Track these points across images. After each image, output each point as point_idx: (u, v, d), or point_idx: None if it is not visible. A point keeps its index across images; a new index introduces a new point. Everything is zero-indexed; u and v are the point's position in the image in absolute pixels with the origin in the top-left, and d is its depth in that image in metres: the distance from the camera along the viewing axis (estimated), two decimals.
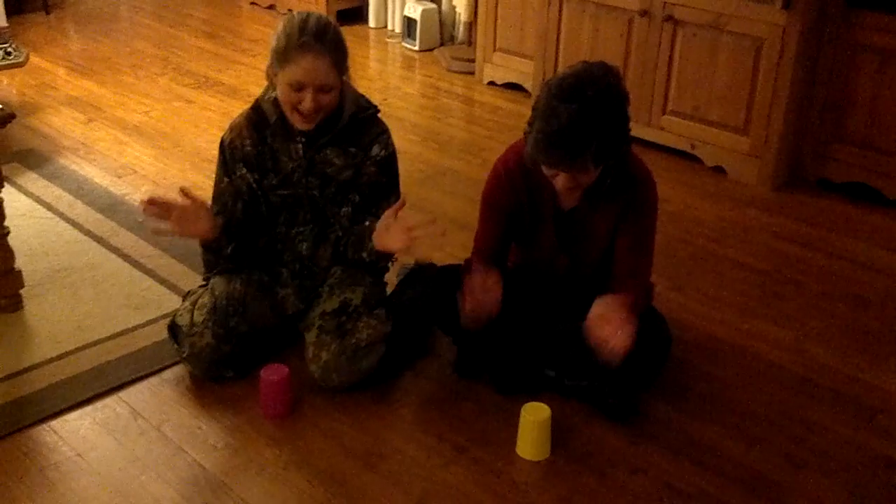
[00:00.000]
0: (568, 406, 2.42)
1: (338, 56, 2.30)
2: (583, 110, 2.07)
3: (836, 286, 3.04)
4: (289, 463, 2.23)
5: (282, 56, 2.28)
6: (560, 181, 2.18)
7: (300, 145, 2.42)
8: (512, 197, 2.35)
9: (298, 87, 2.28)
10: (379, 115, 2.51)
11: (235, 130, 2.46)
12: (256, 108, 2.44)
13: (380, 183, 2.47)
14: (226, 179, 2.47)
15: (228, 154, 2.46)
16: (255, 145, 2.43)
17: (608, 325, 2.13)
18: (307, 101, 2.29)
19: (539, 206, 2.35)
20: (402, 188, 2.58)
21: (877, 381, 2.57)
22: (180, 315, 2.50)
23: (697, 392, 2.51)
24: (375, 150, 2.45)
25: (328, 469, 2.21)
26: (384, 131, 2.49)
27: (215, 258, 2.55)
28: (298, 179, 2.45)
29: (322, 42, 2.26)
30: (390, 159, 2.49)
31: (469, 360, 2.54)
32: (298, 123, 2.35)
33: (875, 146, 3.54)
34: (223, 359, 2.46)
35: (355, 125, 2.44)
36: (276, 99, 2.40)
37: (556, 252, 2.41)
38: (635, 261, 2.36)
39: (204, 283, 2.66)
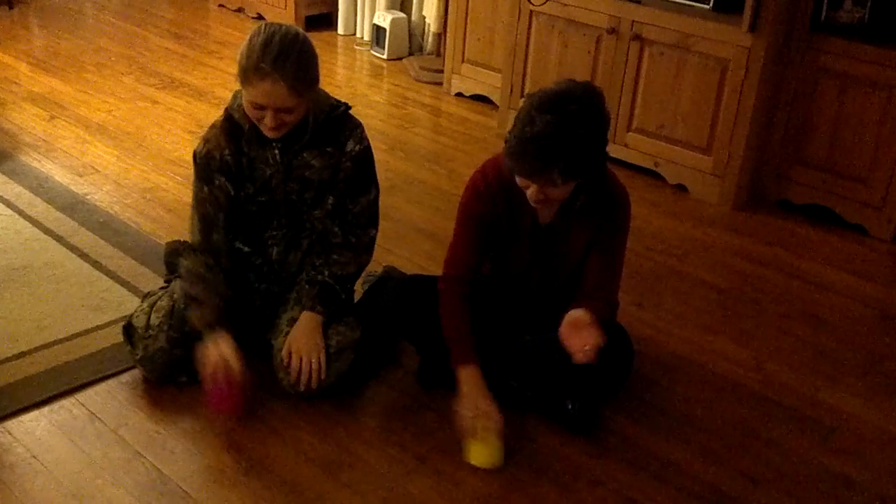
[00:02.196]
0: (530, 418, 2.43)
1: (298, 80, 2.23)
2: (559, 122, 2.08)
3: (795, 306, 3.09)
4: (248, 469, 2.21)
5: (243, 75, 2.25)
6: (530, 193, 2.19)
7: (276, 151, 2.40)
8: (490, 209, 2.35)
9: (259, 107, 2.26)
10: (351, 110, 2.50)
11: (212, 142, 2.41)
12: (228, 118, 2.41)
13: (355, 178, 2.46)
14: (205, 188, 2.42)
15: (203, 165, 2.41)
16: (232, 155, 2.40)
17: (580, 331, 2.15)
18: (268, 119, 2.27)
19: (516, 221, 2.36)
20: None
21: (833, 399, 2.61)
22: (137, 317, 2.47)
23: (658, 407, 2.53)
24: (350, 145, 2.44)
25: (288, 476, 2.19)
26: (357, 125, 2.48)
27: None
28: (277, 185, 2.43)
29: (282, 67, 2.20)
30: (366, 153, 2.48)
31: (432, 370, 2.53)
32: (267, 133, 2.33)
33: (835, 170, 3.61)
34: (176, 363, 2.43)
35: (329, 125, 2.43)
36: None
37: (529, 267, 2.42)
38: (605, 278, 2.38)
39: (165, 285, 2.63)
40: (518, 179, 2.20)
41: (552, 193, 2.19)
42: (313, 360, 2.37)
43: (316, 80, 2.33)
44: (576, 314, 2.19)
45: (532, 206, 2.29)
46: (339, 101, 2.49)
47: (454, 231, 2.43)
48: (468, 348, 2.32)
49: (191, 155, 2.48)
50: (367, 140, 2.49)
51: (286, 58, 2.21)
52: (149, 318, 2.44)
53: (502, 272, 2.47)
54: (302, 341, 2.38)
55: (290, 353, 2.38)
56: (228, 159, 2.40)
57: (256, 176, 2.43)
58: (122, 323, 2.52)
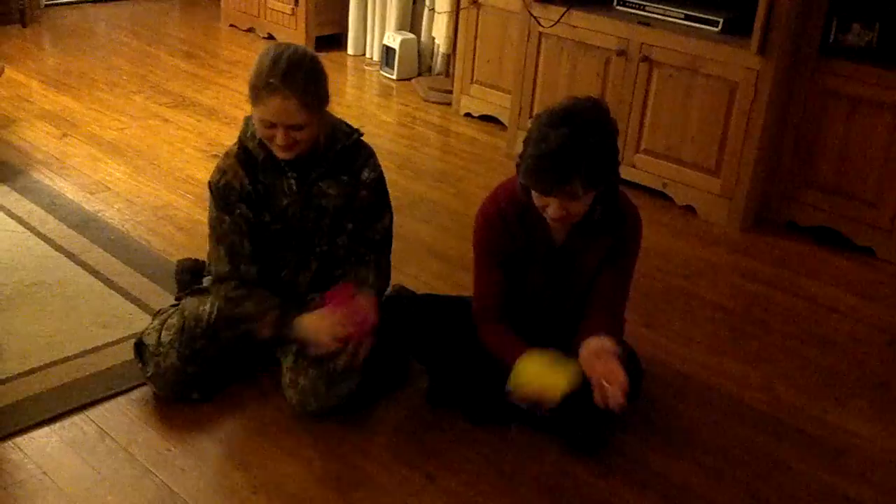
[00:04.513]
0: (538, 438, 2.43)
1: (309, 95, 2.25)
2: (573, 134, 2.11)
3: (803, 327, 3.09)
4: (258, 488, 2.21)
5: (253, 91, 2.26)
6: (551, 210, 2.19)
7: (293, 181, 2.41)
8: (507, 237, 2.35)
9: (270, 125, 2.27)
10: (362, 137, 2.52)
11: (230, 172, 2.40)
12: (243, 148, 2.41)
13: (372, 204, 2.48)
14: (227, 219, 2.41)
15: (222, 195, 2.40)
16: (251, 182, 2.40)
17: (602, 362, 2.16)
18: (280, 138, 2.27)
19: (532, 244, 2.37)
20: None
21: (841, 421, 2.61)
22: (148, 334, 2.49)
23: (665, 427, 2.53)
24: (365, 174, 2.46)
25: (298, 495, 2.20)
26: (371, 154, 2.50)
27: (191, 280, 2.55)
28: (294, 214, 2.44)
29: (291, 83, 2.21)
30: (380, 181, 2.50)
31: (441, 389, 2.54)
32: (279, 154, 2.33)
33: (843, 192, 3.62)
34: (188, 380, 2.44)
35: (343, 153, 2.44)
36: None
37: (544, 288, 2.42)
38: (614, 296, 2.39)
39: (176, 302, 2.65)
40: (536, 199, 2.21)
41: (573, 207, 2.19)
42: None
43: (326, 98, 2.34)
44: (599, 343, 2.18)
45: (548, 225, 2.30)
46: (350, 128, 2.49)
47: (475, 264, 2.43)
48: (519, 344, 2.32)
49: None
50: (380, 167, 2.51)
51: (296, 74, 2.23)
52: (160, 336, 2.46)
53: (517, 293, 2.47)
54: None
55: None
56: (249, 188, 2.39)
57: (273, 204, 2.43)
58: (133, 340, 2.54)
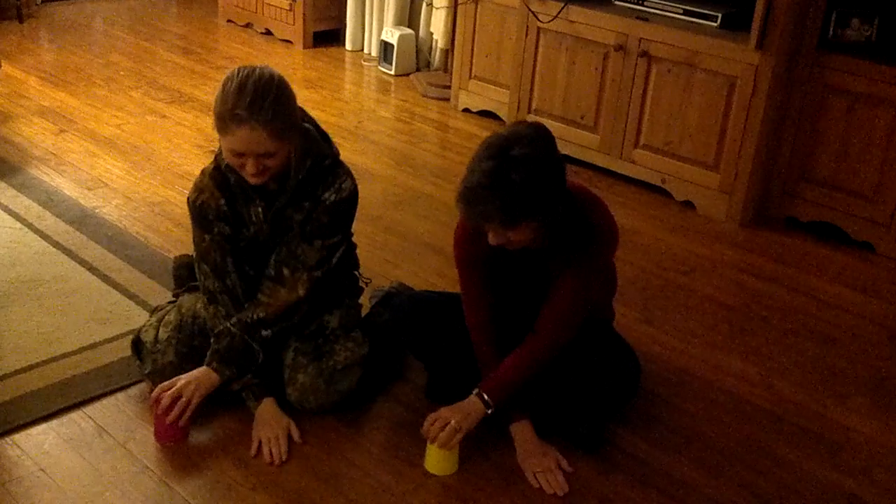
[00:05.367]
0: (537, 433, 2.42)
1: (277, 122, 2.16)
2: (496, 170, 2.05)
3: (803, 323, 3.09)
4: (256, 484, 2.21)
5: (219, 123, 2.19)
6: (493, 239, 2.16)
7: (260, 209, 2.37)
8: (480, 247, 2.29)
9: (239, 154, 2.20)
10: (339, 157, 2.42)
11: (206, 191, 2.37)
12: (217, 168, 2.37)
13: (321, 223, 2.36)
14: (206, 237, 2.38)
15: (200, 213, 2.37)
16: (227, 202, 2.37)
17: (540, 458, 2.31)
18: (250, 166, 2.21)
19: (508, 251, 2.34)
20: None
21: (841, 417, 2.61)
22: (145, 331, 2.48)
23: (665, 424, 2.53)
24: (326, 195, 2.35)
25: (296, 491, 2.19)
26: (339, 177, 2.37)
27: (189, 276, 2.54)
28: (265, 241, 2.40)
29: (258, 113, 2.13)
30: (339, 204, 2.36)
31: (440, 385, 2.54)
32: (249, 180, 2.27)
33: (842, 187, 3.61)
34: None
35: (312, 177, 2.35)
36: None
37: (526, 288, 2.41)
38: (554, 312, 2.30)
39: (173, 299, 2.64)
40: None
41: (512, 236, 2.14)
42: (281, 440, 2.33)
43: (296, 122, 2.27)
44: (525, 442, 2.33)
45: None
46: (327, 151, 2.39)
47: (459, 276, 2.41)
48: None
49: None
50: (349, 191, 2.38)
51: (262, 101, 2.14)
52: (157, 333, 2.45)
53: (501, 294, 2.44)
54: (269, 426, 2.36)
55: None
56: (224, 207, 2.36)
57: (248, 226, 2.40)
58: (131, 337, 2.53)
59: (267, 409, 2.37)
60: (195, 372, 2.33)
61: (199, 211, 2.37)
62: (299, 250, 2.37)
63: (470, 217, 2.15)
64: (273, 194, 2.35)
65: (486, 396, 2.28)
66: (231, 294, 2.40)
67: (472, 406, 2.28)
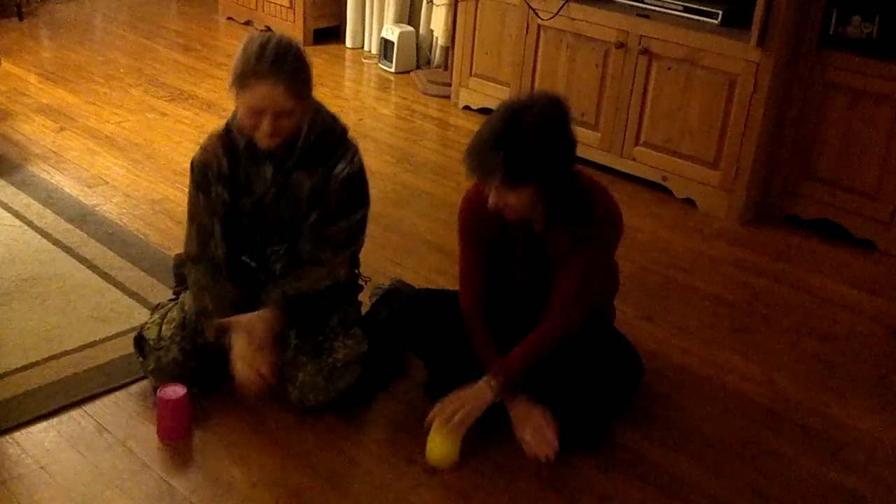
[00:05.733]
0: None
1: (296, 82, 2.25)
2: (505, 129, 2.11)
3: (803, 321, 3.09)
4: (256, 482, 2.21)
5: (239, 81, 2.25)
6: (490, 201, 2.19)
7: (269, 170, 2.39)
8: (484, 222, 2.34)
9: (256, 112, 2.25)
10: (349, 133, 2.48)
11: (210, 151, 2.41)
12: (228, 131, 2.41)
13: (342, 199, 2.42)
14: (201, 197, 2.42)
15: (201, 174, 2.41)
16: (230, 165, 2.40)
17: (529, 425, 2.30)
18: (265, 125, 2.25)
19: (510, 231, 2.36)
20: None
21: (842, 415, 2.61)
22: (148, 328, 2.48)
23: (666, 421, 2.53)
24: (339, 167, 2.40)
25: (297, 489, 2.19)
26: (350, 148, 2.44)
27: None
28: (269, 204, 2.42)
29: (279, 69, 2.21)
30: (354, 176, 2.42)
31: (440, 383, 2.53)
32: (261, 143, 2.31)
33: (843, 185, 3.61)
34: (188, 375, 2.42)
35: (322, 145, 2.40)
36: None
37: (527, 274, 2.41)
38: (567, 293, 2.31)
39: (174, 297, 2.64)
40: (481, 185, 2.22)
41: (509, 199, 2.17)
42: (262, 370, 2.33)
43: (311, 85, 2.33)
44: (522, 406, 2.32)
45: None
46: (337, 122, 2.45)
47: (460, 253, 2.43)
48: (493, 359, 2.34)
49: (189, 177, 2.47)
50: (360, 164, 2.44)
51: (283, 60, 2.23)
52: (160, 330, 2.45)
53: (503, 281, 2.45)
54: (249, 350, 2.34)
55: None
56: (226, 170, 2.40)
57: (252, 190, 2.42)
58: (132, 334, 2.53)
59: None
60: (252, 318, 2.34)
61: (200, 170, 2.41)
62: (328, 234, 2.41)
63: (474, 170, 2.17)
64: (282, 159, 2.38)
65: (493, 384, 2.27)
66: (212, 260, 2.42)
67: (480, 393, 2.27)
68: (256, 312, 2.38)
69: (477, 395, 2.28)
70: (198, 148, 2.46)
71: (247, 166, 2.40)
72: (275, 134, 2.27)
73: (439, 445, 2.27)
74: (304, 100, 2.30)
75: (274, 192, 2.41)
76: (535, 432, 2.29)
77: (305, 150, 2.38)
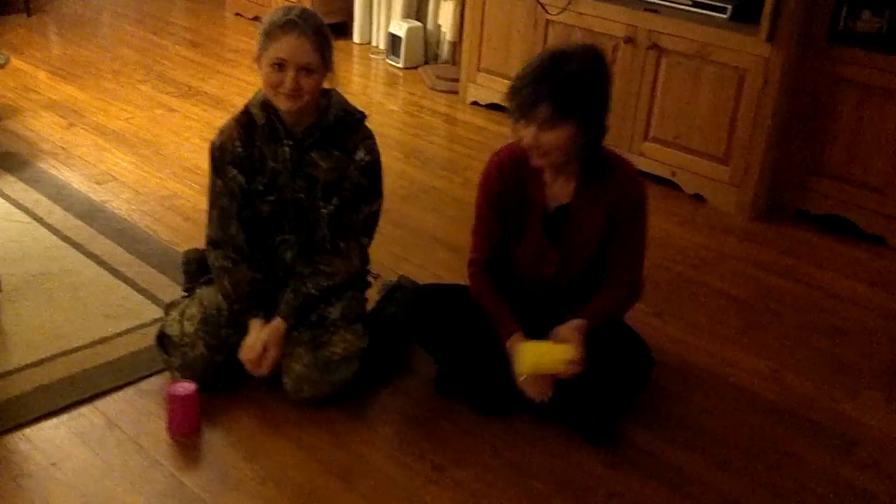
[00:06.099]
0: (547, 429, 2.42)
1: (321, 41, 2.34)
2: (552, 61, 2.18)
3: (814, 317, 3.07)
4: (266, 478, 2.21)
5: (267, 36, 2.33)
6: (525, 139, 2.22)
7: (287, 148, 2.43)
8: (503, 187, 2.38)
9: (280, 66, 2.31)
10: (366, 122, 2.52)
11: (225, 133, 2.46)
12: (246, 112, 2.47)
13: (362, 187, 2.47)
14: (219, 182, 2.46)
15: (218, 156, 2.46)
16: (244, 147, 2.44)
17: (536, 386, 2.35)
18: (288, 81, 2.31)
19: (528, 201, 2.38)
20: (386, 204, 2.58)
21: (854, 412, 2.60)
22: (169, 325, 2.48)
23: (676, 418, 2.52)
24: (360, 154, 2.46)
25: (306, 486, 2.19)
26: (369, 137, 2.50)
27: (198, 270, 2.54)
28: (285, 182, 2.45)
29: (305, 24, 2.31)
30: (373, 165, 2.49)
31: (449, 378, 2.53)
32: (282, 104, 2.35)
33: (853, 180, 3.59)
34: (216, 369, 2.43)
35: (341, 128, 2.45)
36: (264, 101, 2.42)
37: (544, 249, 2.40)
38: (627, 259, 2.40)
39: (185, 294, 2.64)
40: (516, 131, 2.25)
41: (547, 138, 2.20)
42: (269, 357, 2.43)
43: (332, 56, 2.39)
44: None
45: (544, 182, 2.34)
46: (356, 110, 2.51)
47: (475, 216, 2.46)
48: (508, 320, 2.37)
49: (208, 162, 2.49)
50: (378, 153, 2.50)
51: (310, 18, 2.34)
52: (182, 326, 2.45)
53: (520, 258, 2.45)
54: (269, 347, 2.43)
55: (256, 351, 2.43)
56: (240, 151, 2.43)
57: (266, 171, 2.45)
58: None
59: (278, 330, 2.44)
60: (269, 327, 2.42)
61: (217, 153, 2.47)
62: (347, 221, 2.46)
63: (517, 104, 2.21)
64: (301, 135, 2.43)
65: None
66: (233, 242, 2.46)
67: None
68: (270, 325, 2.43)
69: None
70: (214, 134, 2.50)
71: (263, 144, 2.44)
72: (296, 92, 2.32)
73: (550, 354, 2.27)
74: (326, 67, 2.37)
75: (290, 171, 2.44)
76: (534, 378, 2.33)
77: (326, 129, 2.42)
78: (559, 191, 2.37)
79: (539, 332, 2.33)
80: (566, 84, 2.17)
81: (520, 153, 2.33)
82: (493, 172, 2.40)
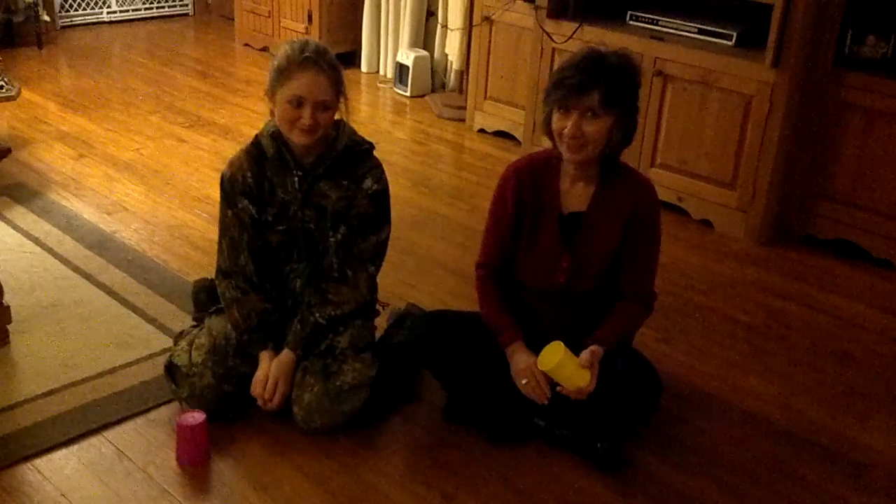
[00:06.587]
0: (555, 455, 2.42)
1: (337, 77, 2.38)
2: (598, 57, 2.28)
3: (822, 342, 3.07)
4: None
5: (282, 73, 2.35)
6: (567, 129, 2.27)
7: (296, 178, 2.45)
8: (519, 188, 2.42)
9: (298, 103, 2.34)
10: (374, 151, 2.55)
11: (235, 164, 2.48)
12: (256, 143, 2.49)
13: (370, 216, 2.49)
14: (229, 212, 2.49)
15: (229, 187, 2.48)
16: (255, 178, 2.46)
17: (525, 376, 2.36)
18: (306, 118, 2.34)
19: (543, 202, 2.42)
20: (394, 232, 2.59)
21: (862, 437, 2.59)
22: (178, 355, 2.49)
23: (685, 444, 2.51)
24: (367, 183, 2.48)
25: None
26: (377, 166, 2.52)
27: (208, 300, 2.55)
28: (295, 213, 2.47)
29: (322, 60, 2.34)
30: (382, 194, 2.51)
31: (458, 406, 2.53)
32: (297, 138, 2.38)
33: (860, 204, 3.59)
34: (224, 399, 2.44)
35: (350, 158, 2.48)
36: (274, 133, 2.44)
37: (557, 254, 2.41)
38: (642, 269, 2.45)
39: (195, 323, 2.65)
40: (556, 122, 2.30)
41: (589, 128, 2.26)
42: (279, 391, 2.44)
43: (345, 87, 2.43)
44: (531, 368, 2.35)
45: (560, 189, 2.40)
46: (365, 140, 2.54)
47: (488, 217, 2.51)
48: (512, 328, 2.41)
49: (217, 192, 2.52)
50: (386, 182, 2.53)
51: (325, 54, 2.37)
52: (190, 356, 2.46)
53: (531, 267, 2.46)
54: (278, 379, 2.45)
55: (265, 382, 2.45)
56: (250, 182, 2.46)
57: (276, 201, 2.47)
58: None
59: (287, 362, 2.46)
60: (277, 360, 2.44)
61: (227, 185, 2.49)
62: (355, 249, 2.48)
63: (567, 90, 2.27)
64: (311, 168, 2.46)
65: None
66: (243, 272, 2.49)
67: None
68: (278, 358, 2.44)
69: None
70: (224, 166, 2.53)
71: (273, 175, 2.46)
72: (313, 128, 2.35)
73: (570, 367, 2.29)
74: (339, 99, 2.41)
75: (300, 201, 2.45)
76: (531, 381, 2.34)
77: (335, 159, 2.45)
78: (575, 198, 2.41)
79: (540, 345, 2.34)
80: (614, 74, 2.26)
81: (538, 161, 2.42)
82: (511, 175, 2.45)
